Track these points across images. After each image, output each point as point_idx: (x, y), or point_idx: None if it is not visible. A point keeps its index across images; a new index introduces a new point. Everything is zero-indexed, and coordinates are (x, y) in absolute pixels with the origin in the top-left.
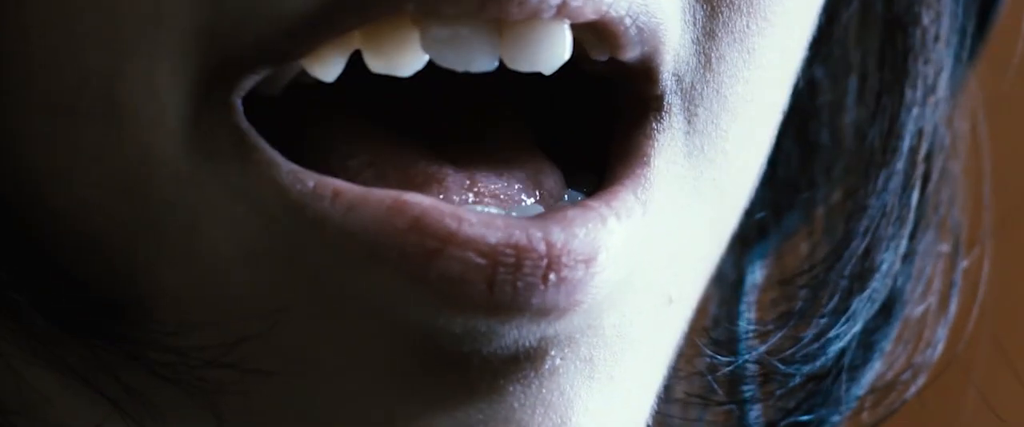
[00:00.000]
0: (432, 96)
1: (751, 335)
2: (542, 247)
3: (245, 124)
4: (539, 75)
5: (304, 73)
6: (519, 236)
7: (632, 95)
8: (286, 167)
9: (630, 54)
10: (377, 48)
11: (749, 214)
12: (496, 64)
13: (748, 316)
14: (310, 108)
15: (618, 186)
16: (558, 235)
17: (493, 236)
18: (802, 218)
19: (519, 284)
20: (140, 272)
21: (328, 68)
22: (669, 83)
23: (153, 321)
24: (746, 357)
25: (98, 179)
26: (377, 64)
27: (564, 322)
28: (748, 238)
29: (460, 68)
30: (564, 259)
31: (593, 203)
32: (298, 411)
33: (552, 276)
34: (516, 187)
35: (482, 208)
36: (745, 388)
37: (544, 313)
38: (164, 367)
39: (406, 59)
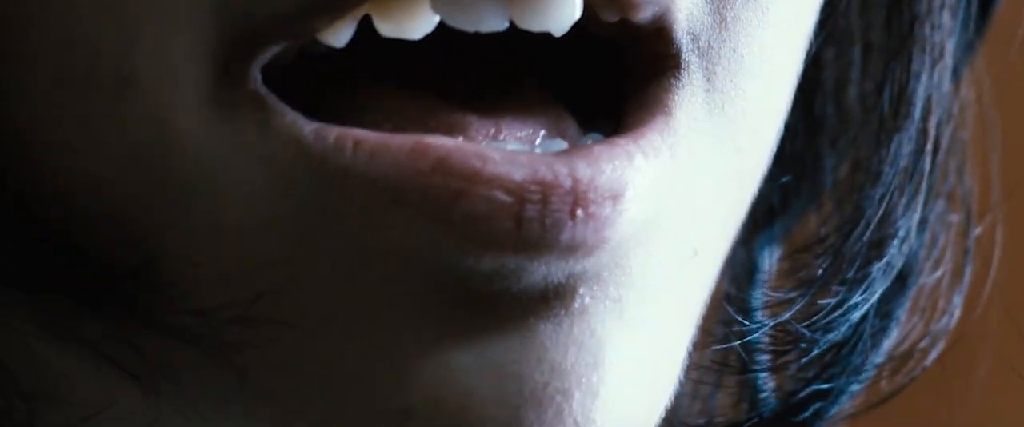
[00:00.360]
0: (445, 66)
1: (768, 305)
2: (568, 182)
3: (264, 90)
4: (549, 39)
5: (315, 41)
6: (545, 172)
7: (645, 55)
8: (308, 126)
9: (642, 15)
10: (386, 12)
11: (759, 192)
12: (506, 24)
13: (762, 294)
14: (324, 75)
15: (643, 127)
16: (584, 170)
17: (518, 173)
18: (810, 196)
19: (547, 221)
20: (156, 245)
21: (338, 33)
22: (685, 41)
23: (170, 287)
24: (771, 323)
25: (111, 157)
26: (387, 27)
27: (592, 259)
28: (757, 220)
29: (470, 28)
30: (590, 195)
31: (619, 140)
32: (325, 360)
33: (579, 212)
34: (541, 132)
35: (505, 143)
36: (762, 358)
37: (572, 250)
38: (183, 329)
39: (416, 22)
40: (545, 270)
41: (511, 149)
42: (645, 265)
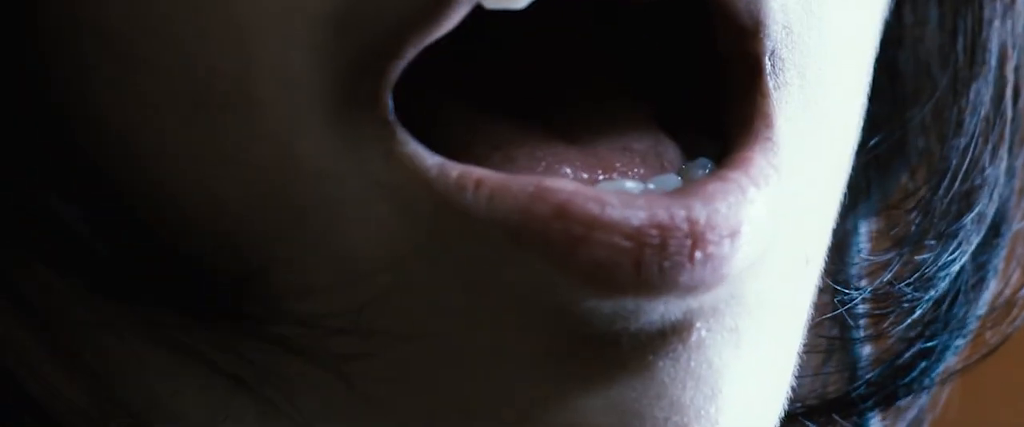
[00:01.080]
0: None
1: (867, 270)
2: (686, 225)
3: (392, 117)
4: (636, 49)
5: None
6: (662, 215)
7: (741, 53)
8: (430, 159)
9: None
10: None
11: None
12: None
13: (861, 261)
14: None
15: (749, 152)
16: (701, 211)
17: (636, 218)
18: (902, 158)
19: (665, 264)
20: (266, 257)
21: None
22: (780, 36)
23: (277, 297)
24: (870, 288)
25: (227, 173)
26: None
27: (710, 295)
28: (855, 190)
29: None
30: (709, 235)
31: (731, 174)
32: (441, 392)
33: (698, 254)
34: (637, 160)
35: (621, 182)
36: (864, 324)
37: (691, 289)
38: (289, 339)
39: None
40: (663, 307)
41: (628, 188)
42: (761, 291)
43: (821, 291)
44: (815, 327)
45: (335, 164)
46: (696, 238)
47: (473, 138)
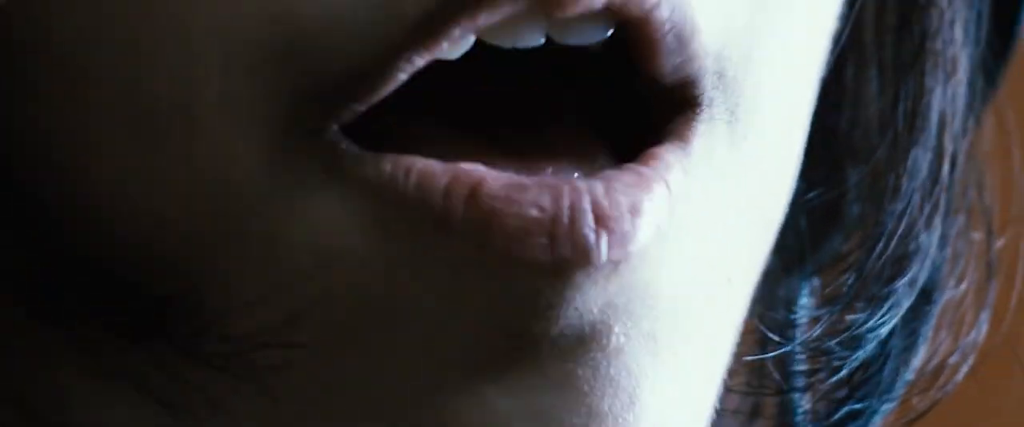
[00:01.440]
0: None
1: (798, 324)
2: (589, 203)
3: (343, 141)
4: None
5: None
6: (568, 193)
7: (668, 92)
8: (368, 157)
9: (667, 65)
10: None
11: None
12: (543, 40)
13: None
14: None
15: (657, 149)
16: (599, 189)
17: (545, 198)
18: (838, 222)
19: (576, 238)
20: (196, 274)
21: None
22: (710, 81)
23: (203, 313)
24: (798, 341)
25: (170, 198)
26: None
27: (621, 281)
28: (789, 252)
29: (508, 44)
30: (612, 211)
31: (631, 165)
32: (364, 396)
33: (603, 231)
34: (565, 164)
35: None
36: (795, 380)
37: (601, 266)
38: (215, 355)
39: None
40: (580, 301)
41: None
42: (675, 297)
43: (755, 343)
44: (748, 378)
45: (275, 189)
46: (599, 214)
47: (409, 144)
